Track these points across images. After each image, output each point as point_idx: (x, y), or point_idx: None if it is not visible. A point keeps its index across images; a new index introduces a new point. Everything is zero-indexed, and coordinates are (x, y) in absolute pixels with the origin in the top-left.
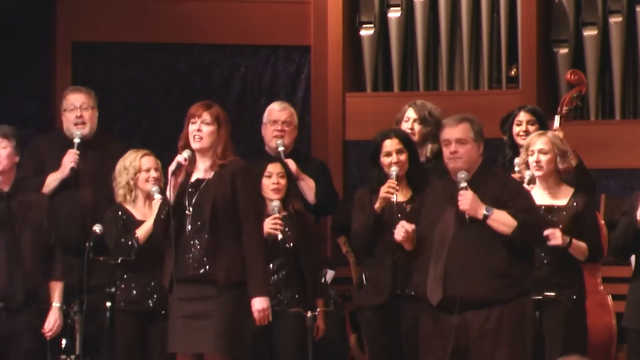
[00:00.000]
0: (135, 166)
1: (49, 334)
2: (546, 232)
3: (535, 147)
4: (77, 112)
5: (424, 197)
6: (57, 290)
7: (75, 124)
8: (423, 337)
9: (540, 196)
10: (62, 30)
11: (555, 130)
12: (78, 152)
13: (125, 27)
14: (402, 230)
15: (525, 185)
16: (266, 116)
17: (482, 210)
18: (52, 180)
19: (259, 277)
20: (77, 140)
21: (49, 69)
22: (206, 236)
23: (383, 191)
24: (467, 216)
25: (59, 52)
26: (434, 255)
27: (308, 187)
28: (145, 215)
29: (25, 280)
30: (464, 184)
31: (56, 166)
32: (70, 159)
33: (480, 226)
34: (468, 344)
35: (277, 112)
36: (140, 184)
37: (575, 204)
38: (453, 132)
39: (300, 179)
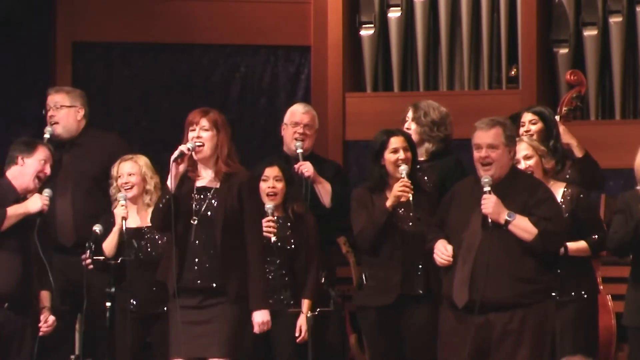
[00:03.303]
0: (114, 173)
1: (46, 329)
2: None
3: (519, 155)
4: (51, 112)
5: (451, 195)
6: (47, 297)
7: (50, 125)
8: (443, 336)
9: None
10: (62, 30)
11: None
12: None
13: (125, 27)
14: (444, 256)
15: None
16: (288, 117)
17: (504, 215)
18: None
19: (260, 290)
20: (46, 136)
21: (49, 69)
22: (216, 248)
23: (397, 190)
24: (489, 220)
25: (59, 52)
26: (461, 257)
27: (325, 190)
28: (134, 219)
29: (32, 283)
30: (487, 188)
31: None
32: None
33: (508, 232)
34: (490, 345)
35: (300, 114)
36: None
37: (568, 198)
38: (484, 136)
39: (318, 182)
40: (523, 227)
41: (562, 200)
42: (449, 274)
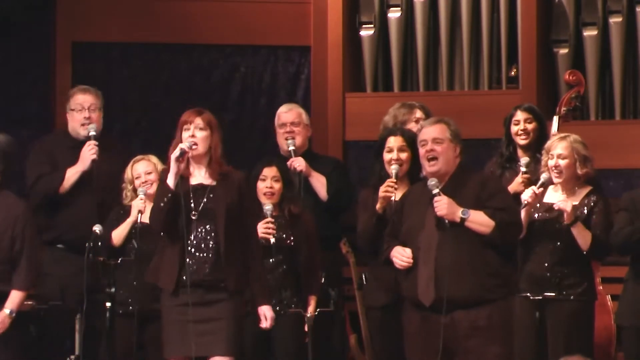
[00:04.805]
0: (129, 175)
1: None
2: (559, 201)
3: (555, 152)
4: (85, 113)
5: (402, 203)
6: (13, 297)
7: (82, 125)
8: (409, 337)
9: (555, 195)
10: (62, 30)
11: (554, 134)
12: (97, 143)
13: (125, 27)
14: (404, 259)
15: (535, 187)
16: (275, 121)
17: (459, 214)
18: (73, 174)
19: (264, 285)
20: (92, 133)
21: (49, 69)
22: (217, 243)
23: (382, 190)
24: (446, 221)
25: (59, 52)
26: (421, 258)
27: (319, 183)
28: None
29: None
30: (436, 191)
31: (66, 165)
32: (91, 151)
33: (465, 228)
34: (457, 344)
35: (284, 114)
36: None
37: (587, 201)
38: (429, 132)
39: (311, 175)
40: (480, 221)
41: (583, 203)
42: (409, 276)
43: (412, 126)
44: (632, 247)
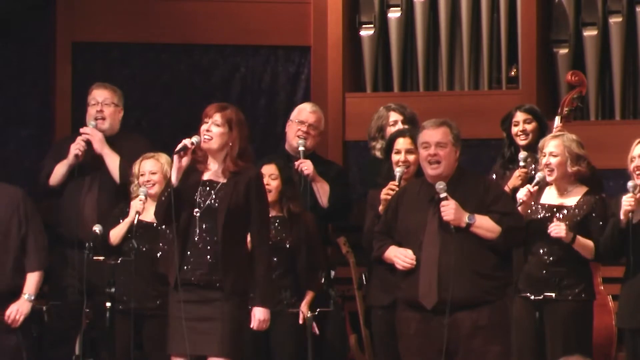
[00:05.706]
0: (136, 171)
1: (7, 320)
2: (551, 226)
3: (547, 150)
4: (98, 107)
5: (397, 201)
6: (29, 280)
7: (95, 119)
8: (407, 339)
9: (551, 195)
10: (62, 30)
11: (556, 128)
12: (85, 139)
13: (125, 27)
14: (407, 260)
15: (530, 186)
16: (295, 114)
17: (465, 219)
18: (59, 167)
19: (264, 288)
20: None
21: (49, 69)
22: (217, 242)
23: (384, 193)
24: (451, 226)
25: (59, 52)
26: (423, 259)
27: (323, 190)
28: (150, 214)
29: None
30: (444, 194)
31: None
32: (76, 146)
33: (468, 231)
34: (458, 344)
35: (307, 113)
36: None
37: (584, 203)
38: (433, 135)
39: (316, 181)
40: (486, 227)
41: (580, 203)
42: (408, 278)
43: (390, 130)
44: (610, 254)
